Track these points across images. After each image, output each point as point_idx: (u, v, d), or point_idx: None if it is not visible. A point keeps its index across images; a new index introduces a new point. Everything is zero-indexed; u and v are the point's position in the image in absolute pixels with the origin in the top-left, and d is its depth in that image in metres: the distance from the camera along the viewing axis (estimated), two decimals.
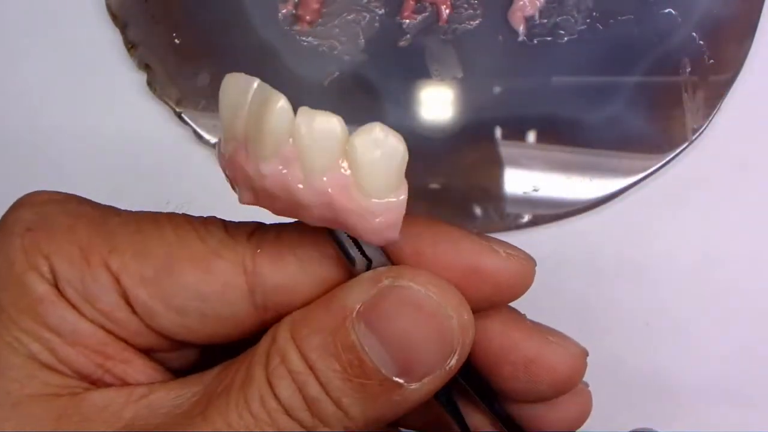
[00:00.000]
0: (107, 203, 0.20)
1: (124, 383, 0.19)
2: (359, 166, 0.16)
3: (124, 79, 0.33)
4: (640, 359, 0.32)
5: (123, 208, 0.20)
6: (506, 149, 0.32)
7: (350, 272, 0.18)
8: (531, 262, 0.19)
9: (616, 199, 0.32)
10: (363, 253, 0.18)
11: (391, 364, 0.17)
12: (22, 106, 0.34)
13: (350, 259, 0.18)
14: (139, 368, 0.19)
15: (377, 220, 0.16)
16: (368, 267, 0.18)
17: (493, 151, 0.32)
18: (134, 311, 0.19)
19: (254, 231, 0.19)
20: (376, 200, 0.16)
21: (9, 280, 0.18)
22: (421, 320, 0.17)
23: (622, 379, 0.32)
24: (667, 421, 0.32)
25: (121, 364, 0.19)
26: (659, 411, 0.32)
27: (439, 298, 0.17)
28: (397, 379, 0.17)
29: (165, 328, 0.19)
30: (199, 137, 0.32)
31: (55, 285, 0.18)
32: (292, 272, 0.19)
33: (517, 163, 0.32)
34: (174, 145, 0.33)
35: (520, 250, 0.19)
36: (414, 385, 0.17)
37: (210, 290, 0.19)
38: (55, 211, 0.19)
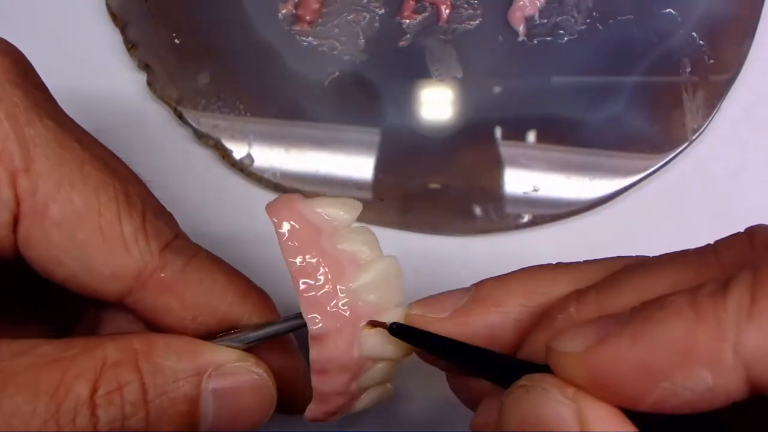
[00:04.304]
0: None
1: None
2: None
3: (124, 79, 0.33)
4: None
5: None
6: (506, 149, 0.32)
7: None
8: None
9: (616, 199, 0.32)
10: None
11: None
12: None
13: None
14: None
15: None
16: None
17: (493, 151, 0.32)
18: (15, 235, 0.19)
19: (169, 244, 0.20)
20: None
21: None
22: None
23: None
24: None
25: None
26: None
27: None
28: None
29: (33, 263, 0.19)
30: (199, 137, 0.32)
31: None
32: (175, 308, 0.20)
33: (517, 163, 0.32)
34: (174, 145, 0.33)
35: None
36: None
37: (100, 270, 0.19)
38: None
